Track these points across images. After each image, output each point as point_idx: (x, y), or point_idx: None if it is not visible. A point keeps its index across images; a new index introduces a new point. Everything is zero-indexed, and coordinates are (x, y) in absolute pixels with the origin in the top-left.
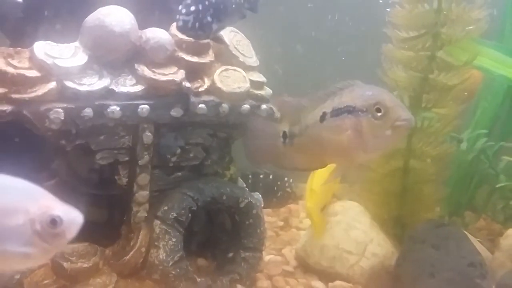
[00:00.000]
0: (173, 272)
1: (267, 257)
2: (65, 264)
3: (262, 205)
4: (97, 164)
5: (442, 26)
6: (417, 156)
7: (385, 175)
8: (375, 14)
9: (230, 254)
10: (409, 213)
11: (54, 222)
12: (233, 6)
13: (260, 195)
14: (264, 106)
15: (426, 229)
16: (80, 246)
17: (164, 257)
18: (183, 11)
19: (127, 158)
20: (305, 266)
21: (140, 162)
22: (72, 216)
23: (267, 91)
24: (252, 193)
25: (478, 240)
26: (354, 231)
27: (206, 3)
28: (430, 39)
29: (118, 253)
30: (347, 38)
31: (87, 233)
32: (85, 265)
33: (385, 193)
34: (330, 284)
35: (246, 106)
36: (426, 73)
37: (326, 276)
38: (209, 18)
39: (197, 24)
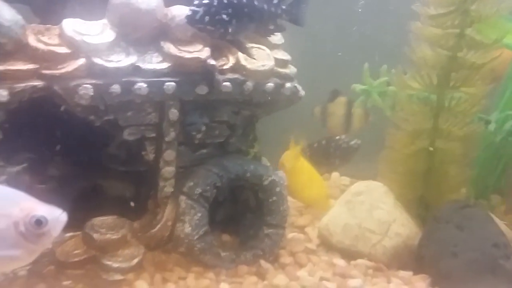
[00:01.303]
0: (198, 246)
1: (290, 234)
2: (95, 235)
3: (286, 184)
4: (124, 140)
5: (471, 3)
6: (444, 136)
7: (410, 155)
8: None
9: (253, 231)
10: (433, 193)
11: (39, 222)
12: (265, 14)
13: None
14: (288, 85)
15: (450, 209)
16: (109, 218)
17: (189, 231)
18: (195, 1)
19: (153, 135)
20: (328, 245)
21: (166, 139)
22: (56, 215)
23: (291, 70)
24: (276, 171)
25: (503, 223)
26: (377, 211)
27: (225, 1)
28: (459, 16)
29: (146, 226)
30: (374, 17)
31: (115, 207)
32: (114, 237)
33: (410, 173)
34: (352, 262)
35: (270, 84)
36: (455, 51)
37: (349, 254)
38: (224, 16)
39: (206, 18)
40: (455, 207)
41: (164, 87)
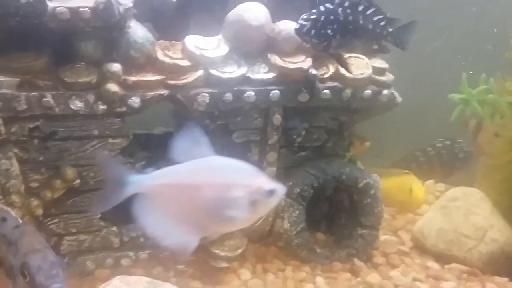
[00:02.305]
0: (296, 241)
1: (382, 237)
2: None
3: (380, 187)
4: (233, 143)
5: None
6: None
7: (509, 162)
8: None
9: (348, 230)
10: None
11: (268, 194)
12: (369, 33)
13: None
14: (385, 92)
15: None
16: None
17: (288, 227)
18: (304, 16)
19: (258, 138)
20: (421, 248)
21: (269, 142)
22: (279, 189)
23: (389, 77)
24: (371, 174)
25: None
26: (473, 217)
27: (331, 17)
28: None
29: None
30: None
31: None
32: None
33: (509, 180)
34: (446, 266)
35: (368, 92)
36: None
37: (443, 258)
38: (329, 31)
39: (312, 32)
40: None
41: (270, 95)
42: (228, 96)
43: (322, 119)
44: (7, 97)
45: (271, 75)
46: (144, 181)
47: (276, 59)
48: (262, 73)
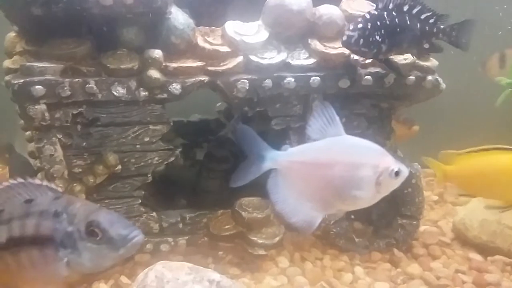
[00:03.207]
0: (334, 230)
1: (422, 227)
2: (243, 213)
3: (421, 176)
4: (271, 130)
5: None
6: None
7: None
8: None
9: (387, 220)
10: None
11: (396, 174)
12: (418, 32)
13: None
14: (429, 78)
15: None
16: (255, 199)
17: (326, 216)
18: (351, 27)
19: (297, 125)
20: (463, 239)
21: None
22: (404, 171)
23: (433, 63)
24: (412, 163)
25: None
26: None
27: (378, 23)
28: None
29: None
30: None
31: (260, 189)
32: (259, 216)
33: None
34: (489, 258)
35: (411, 77)
36: None
37: (485, 250)
38: (377, 37)
39: (361, 41)
40: None
41: (310, 81)
42: (268, 82)
43: (363, 106)
44: (51, 83)
45: (311, 60)
46: (281, 158)
47: (316, 45)
48: (302, 59)
